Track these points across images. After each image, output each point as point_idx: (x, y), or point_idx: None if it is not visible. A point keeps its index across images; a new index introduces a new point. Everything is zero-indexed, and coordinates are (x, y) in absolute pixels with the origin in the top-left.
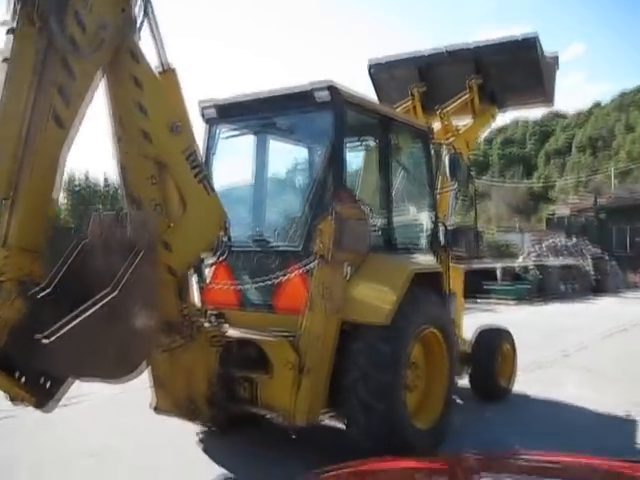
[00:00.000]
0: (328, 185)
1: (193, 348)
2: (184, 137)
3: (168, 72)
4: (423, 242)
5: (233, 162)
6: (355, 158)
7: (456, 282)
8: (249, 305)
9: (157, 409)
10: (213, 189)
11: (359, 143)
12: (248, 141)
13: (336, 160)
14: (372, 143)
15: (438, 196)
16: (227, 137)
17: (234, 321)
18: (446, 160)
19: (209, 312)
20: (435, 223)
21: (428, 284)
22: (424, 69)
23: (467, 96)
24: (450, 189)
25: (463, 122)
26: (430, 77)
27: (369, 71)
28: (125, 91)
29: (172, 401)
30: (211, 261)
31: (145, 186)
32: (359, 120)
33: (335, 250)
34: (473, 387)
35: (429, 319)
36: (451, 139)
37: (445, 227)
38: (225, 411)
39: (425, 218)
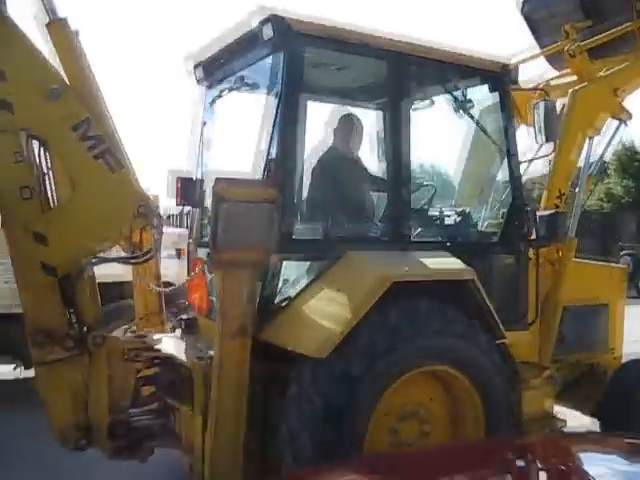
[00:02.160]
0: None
1: (87, 363)
2: (66, 103)
3: (54, 24)
4: (489, 234)
5: (215, 130)
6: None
7: (610, 289)
8: (213, 312)
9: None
10: (123, 166)
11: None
12: (228, 103)
13: (283, 118)
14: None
15: (548, 164)
16: (211, 100)
17: (203, 331)
18: (538, 111)
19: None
20: (514, 206)
21: (445, 299)
22: (588, 1)
23: (629, 25)
24: (540, 156)
25: None
26: (597, 11)
27: (522, 10)
28: None
29: (56, 425)
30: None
31: (6, 165)
32: (343, 61)
33: (212, 245)
34: None
35: (432, 353)
36: (579, 87)
37: (534, 212)
38: (138, 444)
39: (495, 200)
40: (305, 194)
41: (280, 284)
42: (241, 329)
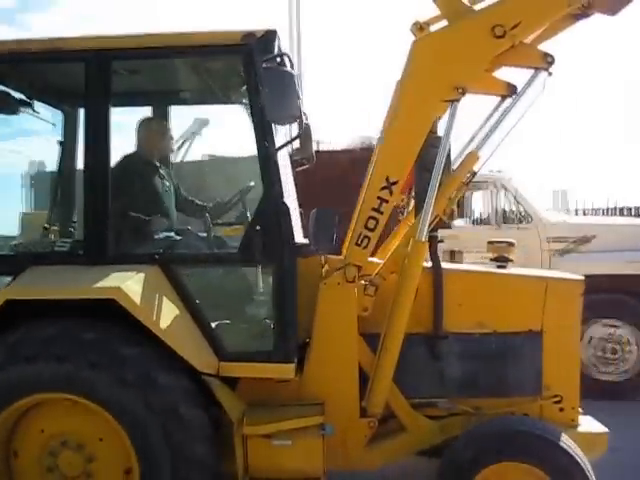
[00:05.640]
0: None
1: None
2: None
3: None
4: (222, 244)
5: None
6: None
7: (550, 310)
8: None
9: None
10: None
11: None
12: None
13: None
14: None
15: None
16: None
17: None
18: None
19: None
20: (263, 205)
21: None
22: None
23: None
24: (293, 138)
25: None
26: None
27: None
28: None
29: None
30: None
31: None
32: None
33: None
34: None
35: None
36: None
37: (284, 208)
38: None
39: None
40: None
41: None
42: None
